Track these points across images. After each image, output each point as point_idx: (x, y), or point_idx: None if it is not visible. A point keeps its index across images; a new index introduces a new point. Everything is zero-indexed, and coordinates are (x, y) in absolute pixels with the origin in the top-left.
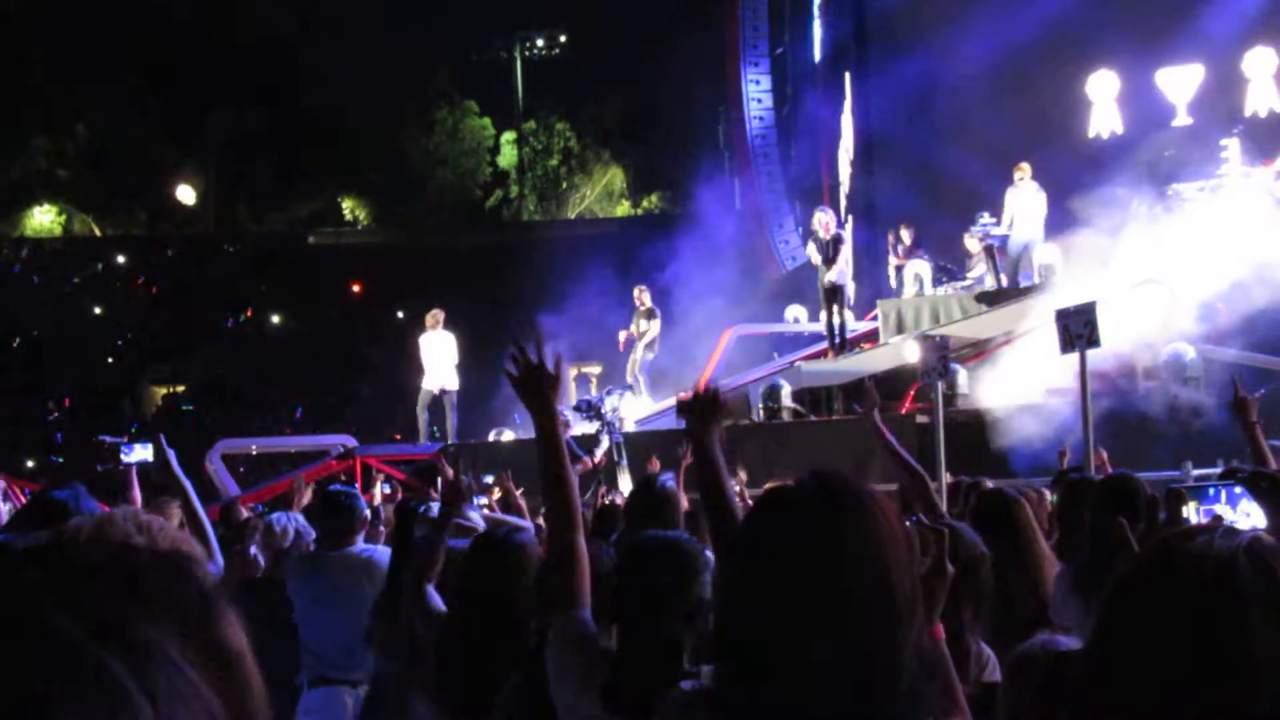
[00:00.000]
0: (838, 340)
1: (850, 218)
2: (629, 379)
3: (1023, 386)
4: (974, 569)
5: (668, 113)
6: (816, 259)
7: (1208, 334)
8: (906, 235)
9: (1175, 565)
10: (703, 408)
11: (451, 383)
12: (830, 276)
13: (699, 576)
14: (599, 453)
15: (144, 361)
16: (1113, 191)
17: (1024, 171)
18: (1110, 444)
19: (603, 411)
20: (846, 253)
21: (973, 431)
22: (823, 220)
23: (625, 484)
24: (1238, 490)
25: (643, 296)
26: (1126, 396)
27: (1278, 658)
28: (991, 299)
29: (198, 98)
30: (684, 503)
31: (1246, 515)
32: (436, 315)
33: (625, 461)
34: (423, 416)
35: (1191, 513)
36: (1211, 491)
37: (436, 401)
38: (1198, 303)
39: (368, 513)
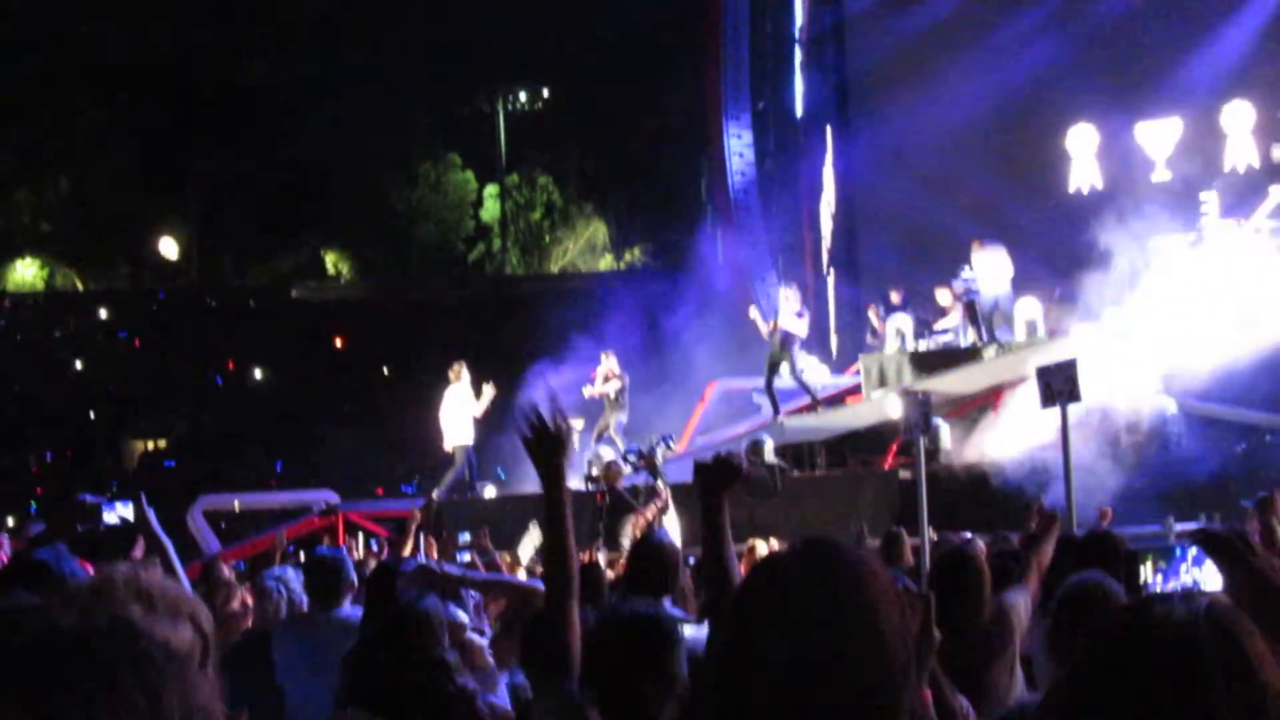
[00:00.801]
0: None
1: (832, 271)
2: (599, 440)
3: (1010, 441)
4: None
5: (650, 167)
6: (764, 328)
7: (1189, 389)
8: (896, 297)
9: (1137, 635)
10: (719, 474)
11: (467, 438)
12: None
13: (673, 652)
14: (656, 504)
15: (125, 416)
16: (1093, 246)
17: (979, 243)
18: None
19: (655, 461)
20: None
21: (955, 486)
22: (788, 294)
23: (673, 529)
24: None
25: (607, 360)
26: (1109, 451)
27: None
28: (972, 354)
29: (181, 151)
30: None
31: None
32: (457, 368)
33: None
34: (456, 471)
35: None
36: (1178, 551)
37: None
38: (1179, 357)
39: (354, 576)
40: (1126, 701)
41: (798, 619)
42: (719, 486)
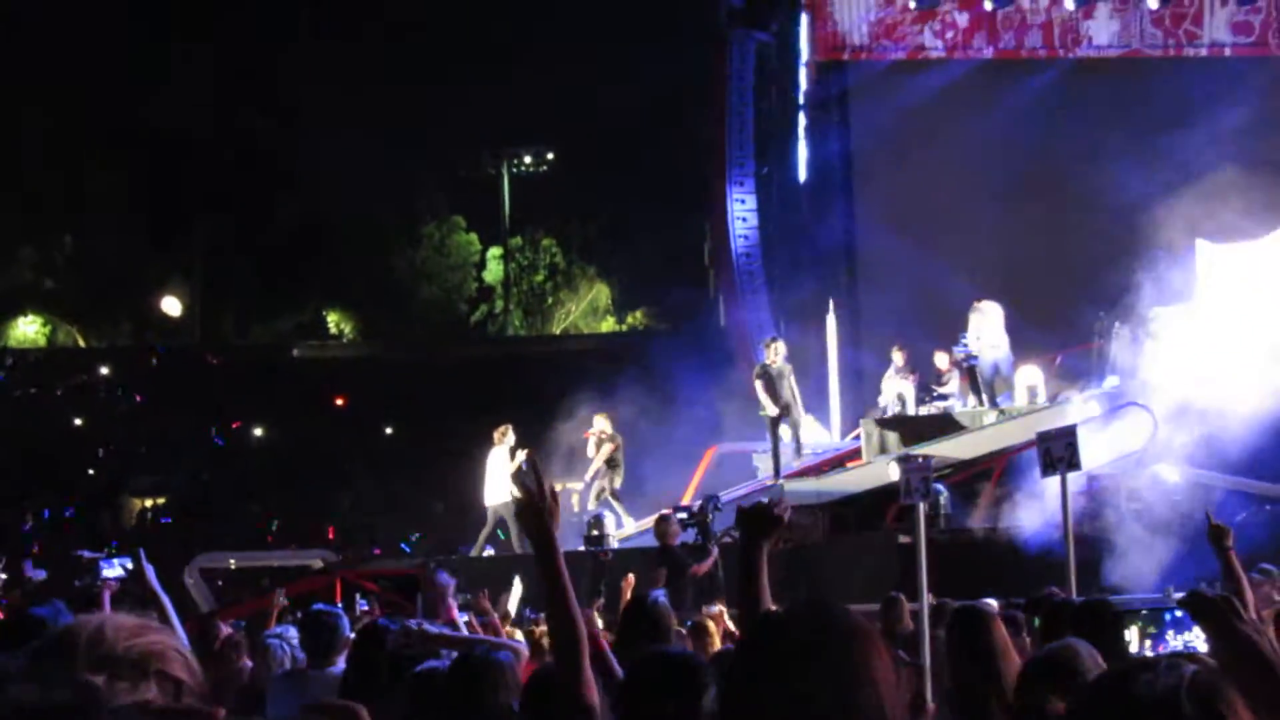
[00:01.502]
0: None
1: (835, 337)
2: (595, 504)
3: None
4: None
5: (653, 229)
6: (764, 396)
7: (1190, 457)
8: (899, 357)
9: (1119, 703)
10: (761, 521)
11: (502, 496)
12: (769, 410)
13: (706, 693)
14: (706, 562)
15: (124, 473)
16: (1095, 313)
17: (977, 302)
18: (1092, 564)
19: (707, 520)
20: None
21: (955, 552)
22: (777, 349)
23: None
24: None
25: (600, 423)
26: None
27: None
28: (973, 419)
29: (184, 210)
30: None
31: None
32: (502, 430)
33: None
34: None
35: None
36: (1169, 616)
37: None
38: (1179, 426)
39: (349, 632)
40: None
41: (797, 674)
42: (760, 533)
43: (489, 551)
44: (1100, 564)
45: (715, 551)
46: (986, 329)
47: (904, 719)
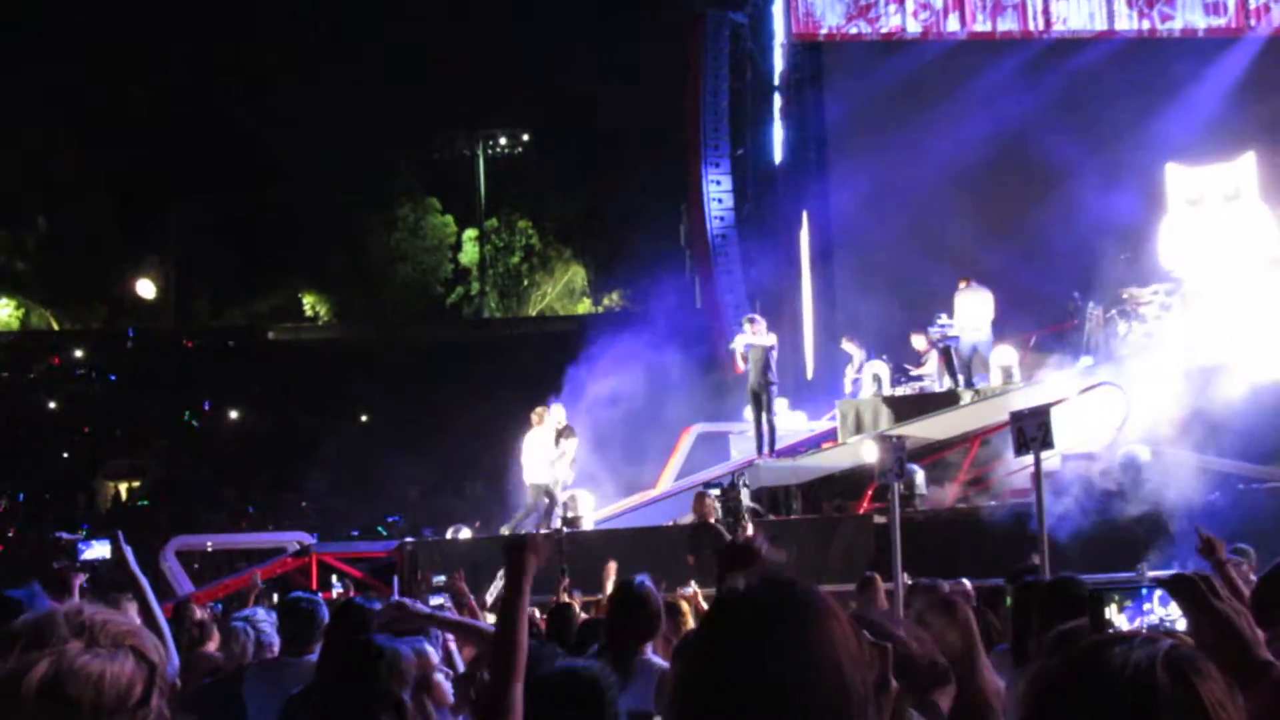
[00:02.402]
0: (766, 445)
1: (811, 318)
2: (541, 500)
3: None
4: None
5: (629, 211)
6: (742, 365)
7: (1163, 436)
8: (850, 347)
9: (1094, 675)
10: (738, 556)
11: (546, 477)
12: (755, 381)
13: (607, 709)
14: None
15: (99, 456)
16: (1069, 295)
17: (964, 281)
18: (1067, 544)
19: (739, 498)
20: (772, 356)
21: (930, 531)
22: (751, 328)
23: None
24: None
25: (556, 411)
26: (1083, 497)
27: None
28: (949, 400)
29: (159, 193)
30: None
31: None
32: (540, 412)
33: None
34: (531, 509)
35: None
36: (1144, 591)
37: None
38: (1153, 405)
39: (328, 618)
40: None
41: (759, 650)
42: (737, 568)
43: (465, 533)
44: (1075, 542)
45: (751, 527)
46: (972, 310)
47: (868, 695)
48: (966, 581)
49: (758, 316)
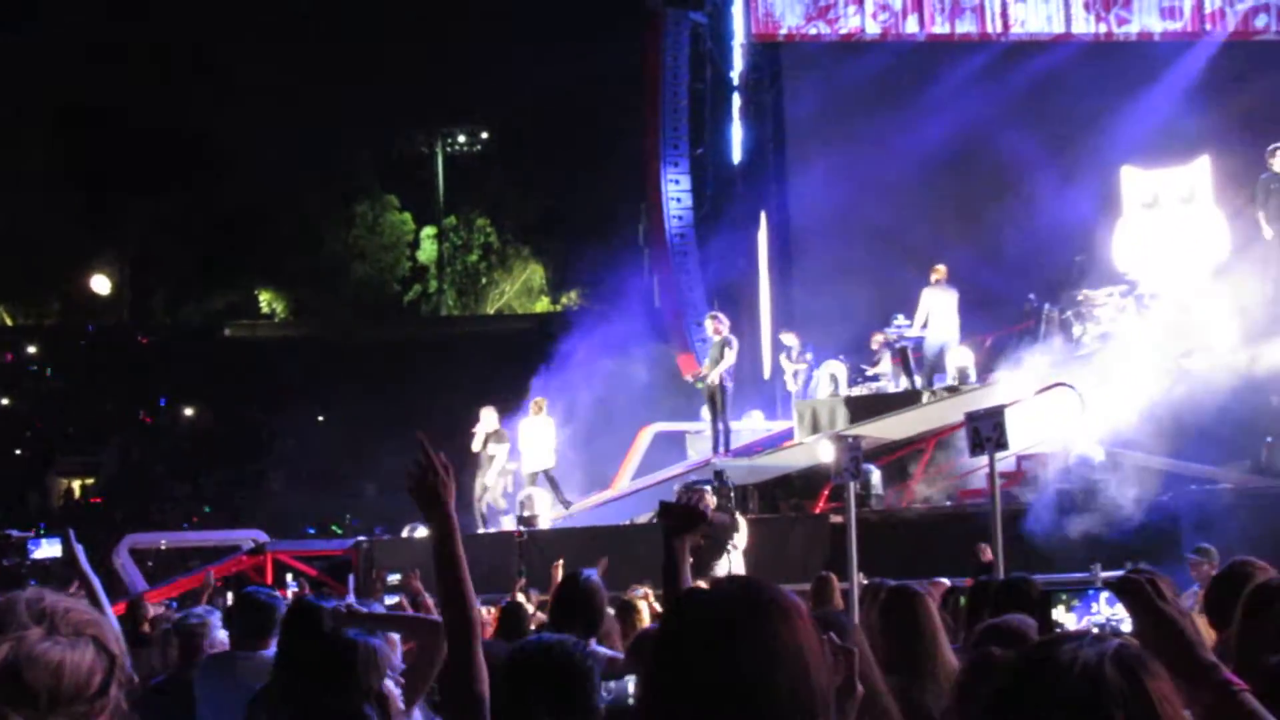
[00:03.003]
0: (721, 445)
1: (769, 318)
2: (481, 509)
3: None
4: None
5: (588, 210)
6: (698, 372)
7: (1118, 437)
8: (788, 338)
9: (1044, 672)
10: (683, 517)
11: (549, 463)
12: (713, 379)
13: (585, 685)
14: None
15: (52, 453)
16: (1025, 296)
17: (940, 273)
18: (1021, 544)
19: (729, 492)
20: (731, 356)
21: (885, 531)
22: (714, 325)
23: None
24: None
25: (488, 415)
26: (1036, 498)
27: None
28: (906, 400)
29: (115, 189)
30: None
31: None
32: (540, 402)
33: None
34: (525, 492)
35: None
36: (1090, 592)
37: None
38: (1106, 406)
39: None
40: None
41: (727, 648)
42: (682, 529)
43: (422, 531)
44: (1030, 542)
45: (740, 521)
46: (943, 307)
47: (830, 695)
48: (945, 581)
49: (721, 315)
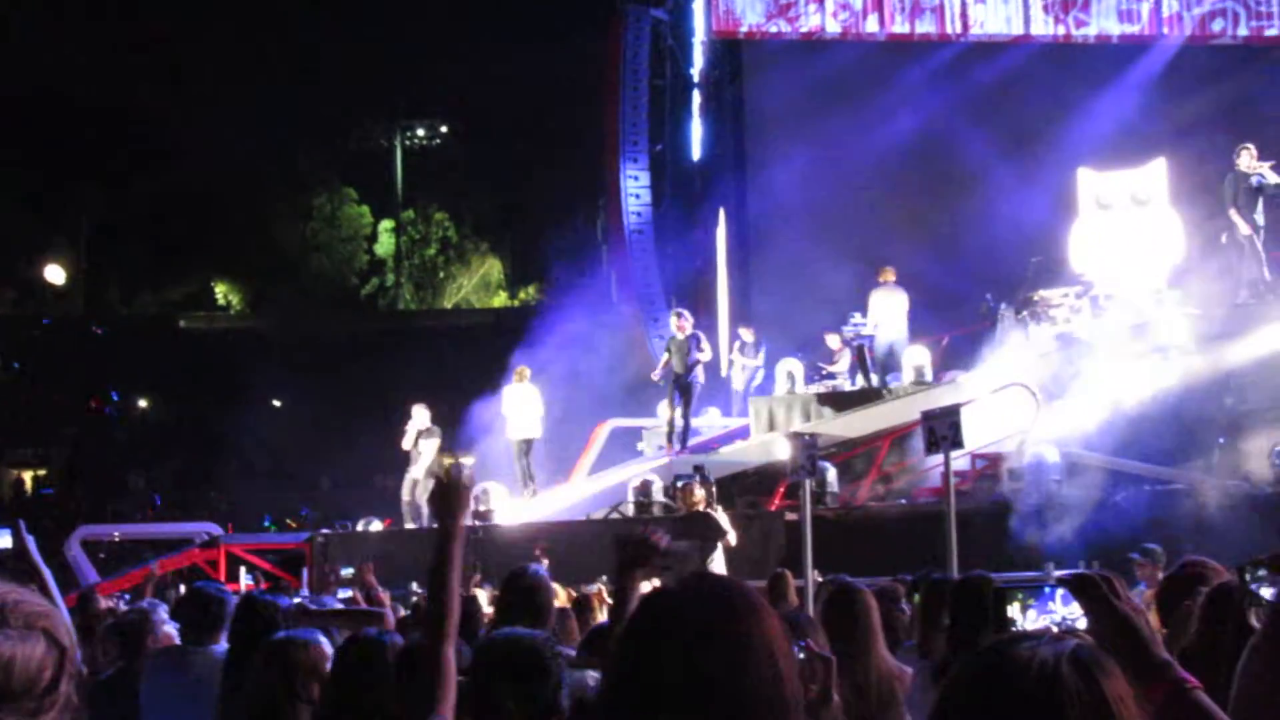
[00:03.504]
0: (679, 440)
1: (727, 314)
2: (410, 504)
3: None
4: None
5: (546, 205)
6: (665, 357)
7: (1071, 438)
8: (747, 334)
9: (1002, 671)
10: (638, 552)
11: (534, 432)
12: (680, 372)
13: (549, 678)
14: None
15: (3, 444)
16: (982, 296)
17: (888, 275)
18: (976, 543)
19: (711, 487)
20: (708, 352)
21: (841, 529)
22: (678, 322)
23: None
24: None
25: (421, 414)
26: (991, 497)
27: None
28: (861, 398)
29: (70, 178)
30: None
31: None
32: (522, 370)
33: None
34: (520, 463)
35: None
36: (1046, 590)
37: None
38: (1062, 406)
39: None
40: None
41: (699, 648)
42: (635, 564)
43: (376, 524)
44: (985, 540)
45: (724, 519)
46: (889, 308)
47: (800, 696)
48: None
49: (685, 312)
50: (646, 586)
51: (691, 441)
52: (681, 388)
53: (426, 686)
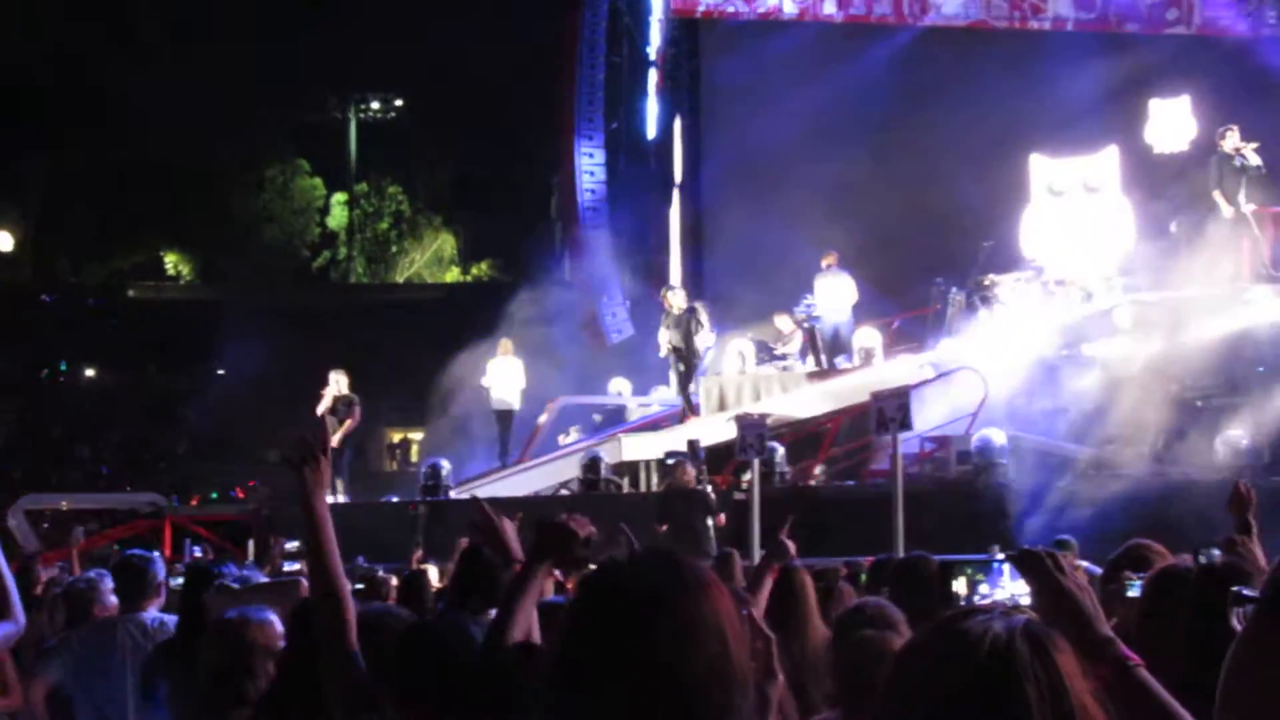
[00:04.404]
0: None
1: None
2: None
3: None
4: None
5: (501, 181)
6: (667, 334)
7: (1019, 421)
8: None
9: (954, 645)
10: (554, 539)
11: (514, 404)
12: (679, 347)
13: (458, 666)
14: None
15: None
16: (932, 280)
17: (831, 259)
18: (922, 524)
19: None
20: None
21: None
22: (671, 297)
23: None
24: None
25: (340, 380)
26: (938, 479)
27: None
28: (812, 379)
29: (18, 145)
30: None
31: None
32: (506, 344)
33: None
34: (502, 435)
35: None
36: (995, 566)
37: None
38: (1010, 390)
39: (163, 576)
40: (941, 712)
41: (648, 622)
42: (551, 551)
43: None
44: (930, 523)
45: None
46: (832, 292)
47: (749, 670)
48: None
49: (677, 286)
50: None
51: (640, 420)
52: (682, 361)
53: (344, 684)
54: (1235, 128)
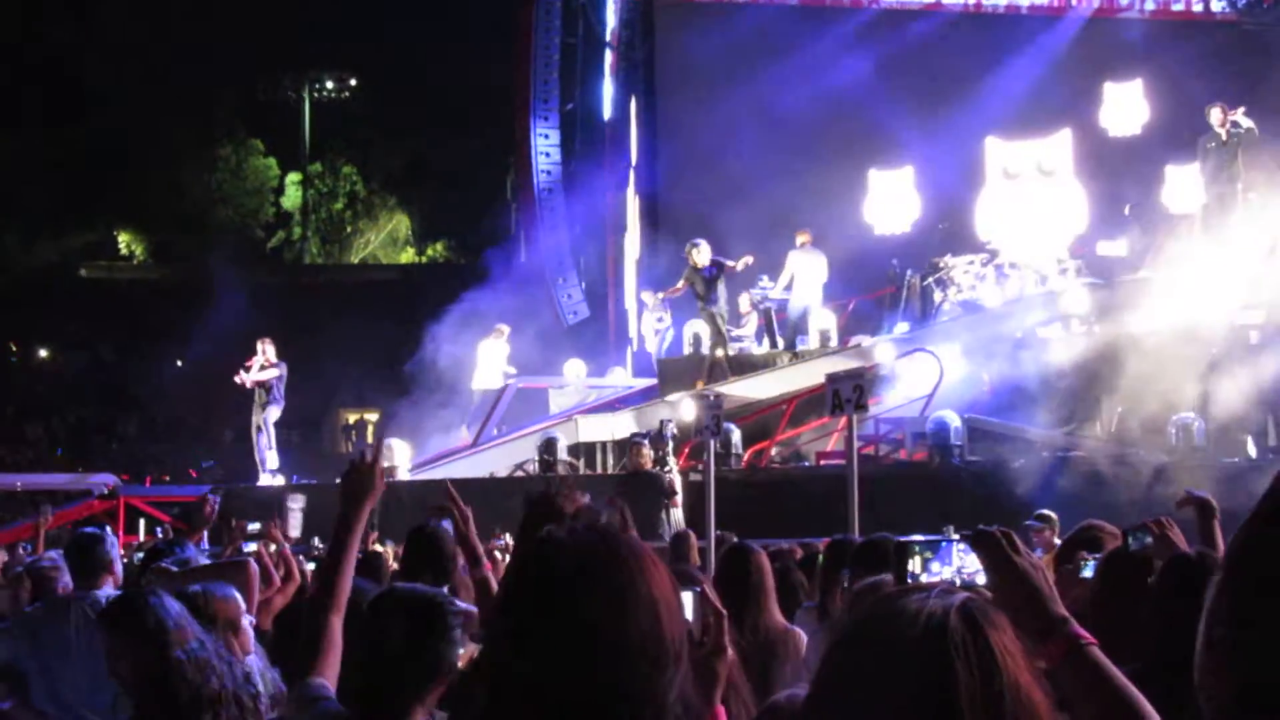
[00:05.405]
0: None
1: (634, 275)
2: (259, 458)
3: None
4: None
5: (456, 162)
6: (701, 289)
7: (973, 403)
8: (649, 299)
9: (890, 622)
10: (545, 511)
11: (496, 383)
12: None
13: (442, 636)
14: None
15: None
16: (888, 262)
17: (806, 237)
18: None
19: (667, 446)
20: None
21: (746, 490)
22: (697, 251)
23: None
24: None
25: (268, 349)
26: (895, 460)
27: (986, 712)
28: (769, 361)
29: None
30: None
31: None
32: (501, 328)
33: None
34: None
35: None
36: (945, 544)
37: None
38: (964, 372)
39: (115, 555)
40: (873, 687)
41: (583, 593)
42: (542, 524)
43: (281, 480)
44: (888, 504)
45: (676, 478)
46: (810, 270)
47: (683, 643)
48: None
49: (701, 241)
50: None
51: (596, 401)
52: (708, 320)
53: (310, 654)
54: (1221, 103)
